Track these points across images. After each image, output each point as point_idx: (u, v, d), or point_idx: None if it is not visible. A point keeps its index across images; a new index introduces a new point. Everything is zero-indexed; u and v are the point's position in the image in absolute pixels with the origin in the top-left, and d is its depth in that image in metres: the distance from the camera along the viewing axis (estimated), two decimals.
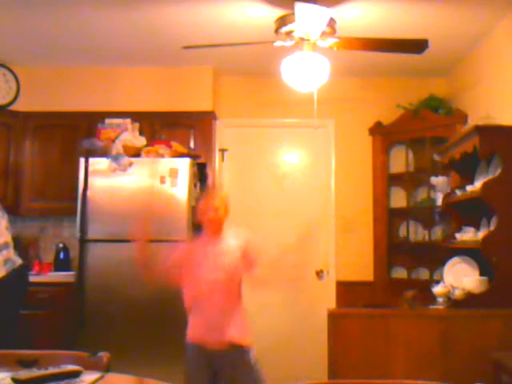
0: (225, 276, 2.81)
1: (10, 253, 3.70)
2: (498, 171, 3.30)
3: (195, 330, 2.87)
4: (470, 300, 3.25)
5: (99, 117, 4.62)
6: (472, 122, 4.13)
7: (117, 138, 4.39)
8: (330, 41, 3.30)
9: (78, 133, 4.72)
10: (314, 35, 3.19)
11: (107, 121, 4.58)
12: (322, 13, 2.93)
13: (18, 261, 3.74)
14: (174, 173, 4.14)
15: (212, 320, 2.80)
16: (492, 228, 3.38)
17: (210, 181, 4.61)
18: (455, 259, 3.64)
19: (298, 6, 2.82)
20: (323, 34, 3.20)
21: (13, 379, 1.70)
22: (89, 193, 4.17)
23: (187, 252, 2.92)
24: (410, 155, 4.89)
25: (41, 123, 4.82)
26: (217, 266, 2.82)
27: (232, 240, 2.90)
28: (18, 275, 3.73)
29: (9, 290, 3.64)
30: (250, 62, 4.68)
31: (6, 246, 3.66)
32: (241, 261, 2.84)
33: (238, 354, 2.82)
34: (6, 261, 3.63)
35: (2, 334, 3.39)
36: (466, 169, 3.86)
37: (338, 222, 5.00)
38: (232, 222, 2.98)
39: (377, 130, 5.00)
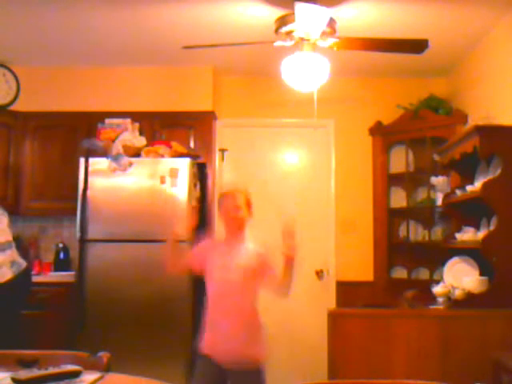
0: (239, 278, 2.68)
1: (14, 253, 3.71)
2: (498, 171, 3.30)
3: (207, 341, 2.72)
4: (470, 300, 3.24)
5: (99, 117, 4.62)
6: (472, 121, 4.12)
7: (117, 138, 4.40)
8: (330, 41, 3.30)
9: (78, 133, 4.72)
10: (313, 35, 3.19)
11: (107, 121, 4.59)
12: (322, 13, 2.93)
13: (23, 263, 3.75)
14: (174, 173, 4.14)
15: (225, 331, 2.65)
16: (492, 228, 3.38)
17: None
18: (455, 259, 3.64)
19: (298, 6, 2.82)
20: (323, 33, 3.20)
21: (13, 379, 1.70)
22: (89, 193, 4.17)
23: (206, 250, 2.82)
24: (410, 155, 4.89)
25: (41, 123, 4.81)
26: (233, 266, 2.70)
27: (252, 245, 2.80)
28: (25, 279, 3.74)
29: (15, 293, 3.65)
30: (250, 62, 4.68)
31: (9, 244, 3.67)
32: (258, 267, 2.71)
33: (249, 374, 2.67)
34: (12, 263, 3.63)
35: (6, 335, 3.40)
36: (466, 169, 3.85)
37: (338, 222, 5.00)
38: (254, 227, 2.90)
39: (377, 130, 4.99)
